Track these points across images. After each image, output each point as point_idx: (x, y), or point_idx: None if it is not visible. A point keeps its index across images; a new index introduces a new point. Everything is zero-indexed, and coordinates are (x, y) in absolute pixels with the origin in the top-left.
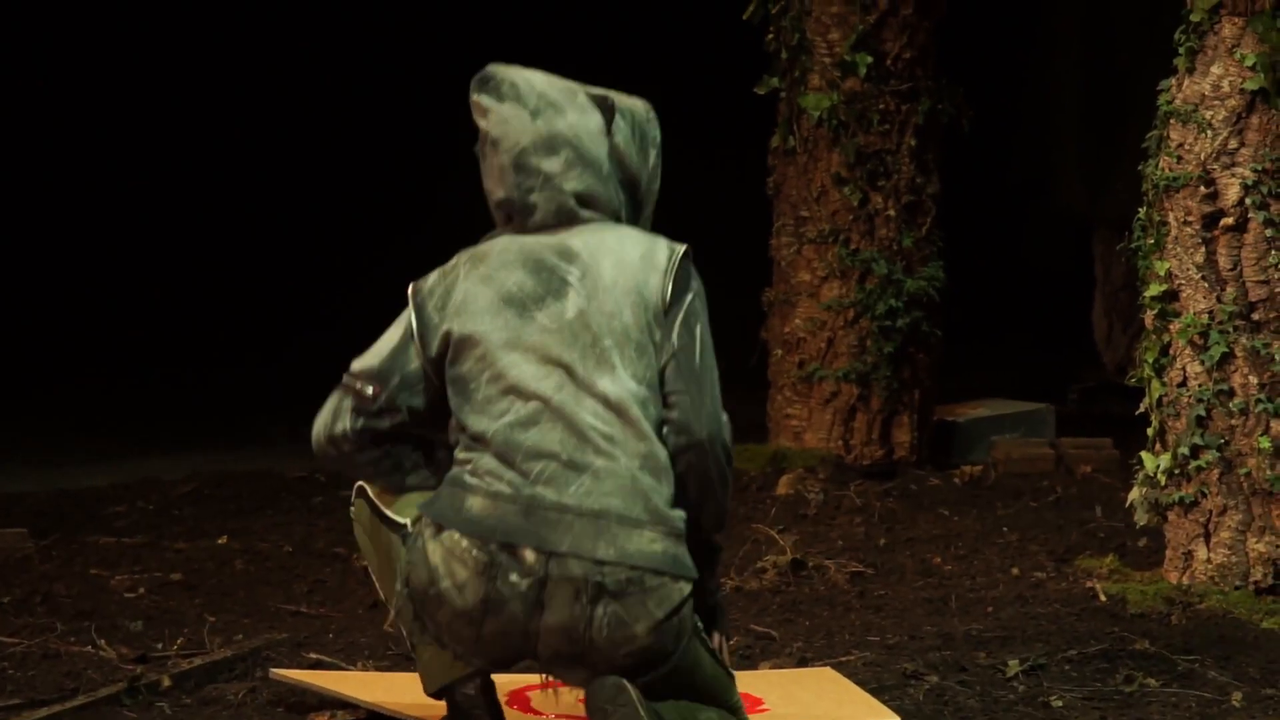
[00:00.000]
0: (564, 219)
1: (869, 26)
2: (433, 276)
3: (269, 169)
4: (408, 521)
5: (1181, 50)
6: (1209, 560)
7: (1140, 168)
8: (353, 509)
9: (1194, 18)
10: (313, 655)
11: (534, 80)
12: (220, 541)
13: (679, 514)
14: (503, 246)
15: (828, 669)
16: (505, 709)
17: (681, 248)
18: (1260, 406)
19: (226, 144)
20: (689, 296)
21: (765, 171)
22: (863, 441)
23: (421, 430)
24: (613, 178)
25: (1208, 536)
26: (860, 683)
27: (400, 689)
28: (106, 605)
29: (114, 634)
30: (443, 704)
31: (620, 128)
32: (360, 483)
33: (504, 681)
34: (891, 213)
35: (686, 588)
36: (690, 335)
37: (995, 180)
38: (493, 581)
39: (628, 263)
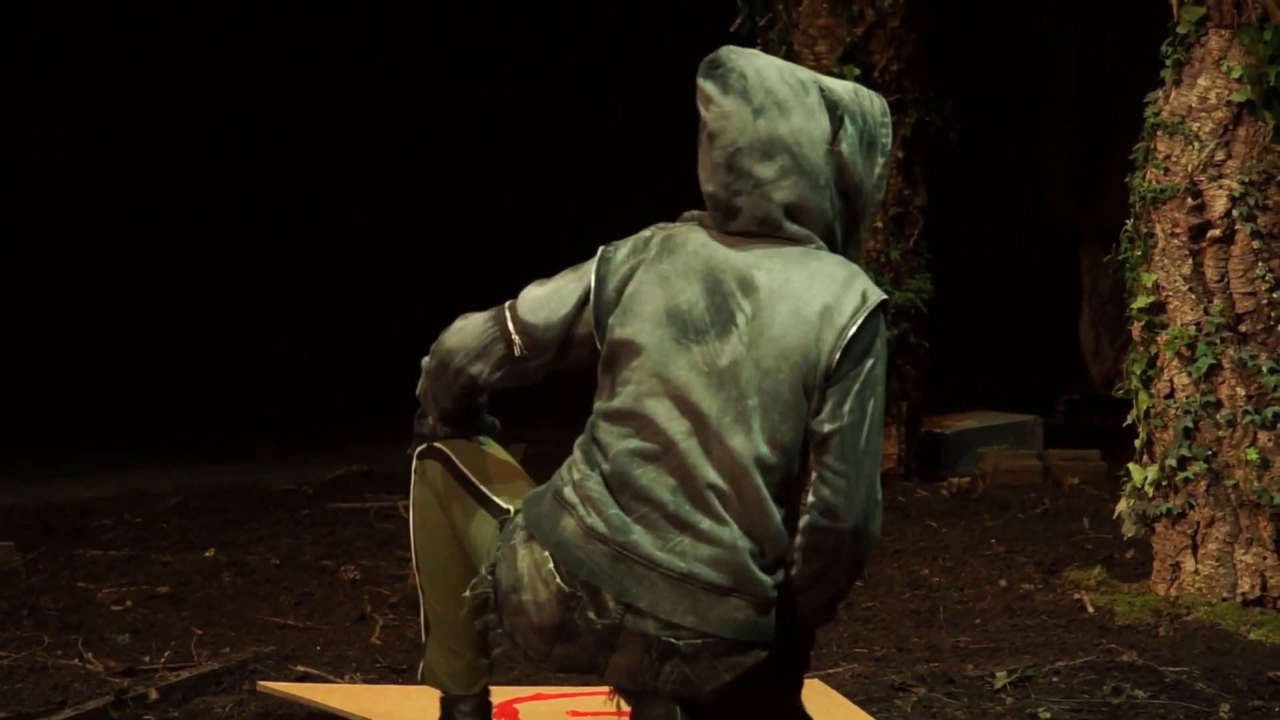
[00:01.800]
0: (767, 228)
1: (856, 39)
2: (625, 249)
3: (262, 186)
4: (511, 508)
5: (1168, 62)
6: (1197, 572)
7: (1127, 180)
8: (418, 464)
9: (1181, 30)
10: (300, 668)
11: (766, 73)
12: (207, 554)
13: (772, 580)
14: (694, 249)
15: (815, 681)
16: None
17: (875, 299)
18: (1248, 418)
19: (220, 162)
20: (869, 363)
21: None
22: None
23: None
24: (830, 187)
25: (1195, 548)
26: (848, 695)
27: (387, 701)
28: (93, 618)
29: (101, 647)
30: (429, 715)
31: (848, 134)
32: (440, 446)
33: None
34: (879, 224)
35: (764, 654)
36: (862, 411)
37: (983, 192)
38: (570, 613)
39: (805, 316)
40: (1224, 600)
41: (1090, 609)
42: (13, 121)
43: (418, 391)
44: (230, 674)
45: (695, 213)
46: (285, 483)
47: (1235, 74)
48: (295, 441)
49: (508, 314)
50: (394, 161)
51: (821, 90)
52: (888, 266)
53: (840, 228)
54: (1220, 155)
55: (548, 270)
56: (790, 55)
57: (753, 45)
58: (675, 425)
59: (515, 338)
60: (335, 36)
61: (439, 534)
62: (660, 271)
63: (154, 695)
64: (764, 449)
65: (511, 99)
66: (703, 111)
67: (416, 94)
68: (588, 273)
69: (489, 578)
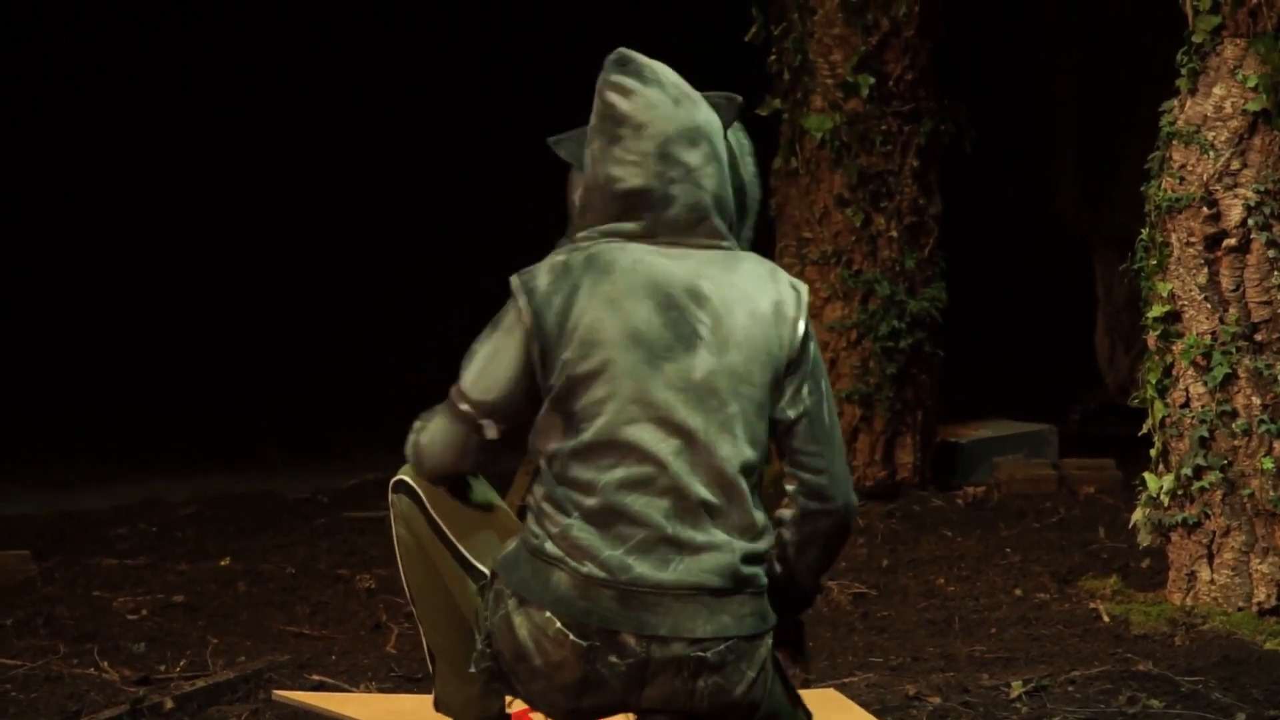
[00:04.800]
0: (696, 217)
1: (871, 48)
2: (543, 278)
3: (270, 189)
4: (488, 571)
5: (1183, 71)
6: (1212, 581)
7: (1142, 189)
8: (394, 498)
9: (1196, 39)
10: (315, 677)
11: (664, 69)
12: (222, 563)
13: (763, 569)
14: (628, 265)
15: (831, 690)
16: None
17: (804, 288)
18: (1263, 427)
19: (227, 164)
20: (813, 345)
21: (767, 193)
22: (865, 462)
23: None
24: (728, 180)
25: (1211, 557)
26: (863, 705)
27: (402, 711)
28: (109, 627)
29: (116, 656)
30: None
31: (730, 131)
32: (410, 481)
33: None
34: (894, 234)
35: (770, 638)
36: (819, 391)
37: (996, 200)
38: (592, 664)
39: (761, 316)
40: (1240, 610)
41: (1106, 618)
42: (24, 130)
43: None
44: (245, 683)
45: (606, 230)
46: (300, 491)
47: (1250, 83)
48: (310, 450)
49: (463, 405)
50: (401, 169)
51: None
52: (903, 276)
53: (734, 226)
54: (1236, 164)
55: None
56: (805, 64)
57: (767, 55)
58: (663, 447)
59: (483, 422)
60: (335, 42)
61: (427, 570)
62: (604, 294)
63: (169, 704)
64: (747, 451)
65: (516, 99)
66: (622, 105)
67: (425, 101)
68: (516, 316)
69: (488, 650)
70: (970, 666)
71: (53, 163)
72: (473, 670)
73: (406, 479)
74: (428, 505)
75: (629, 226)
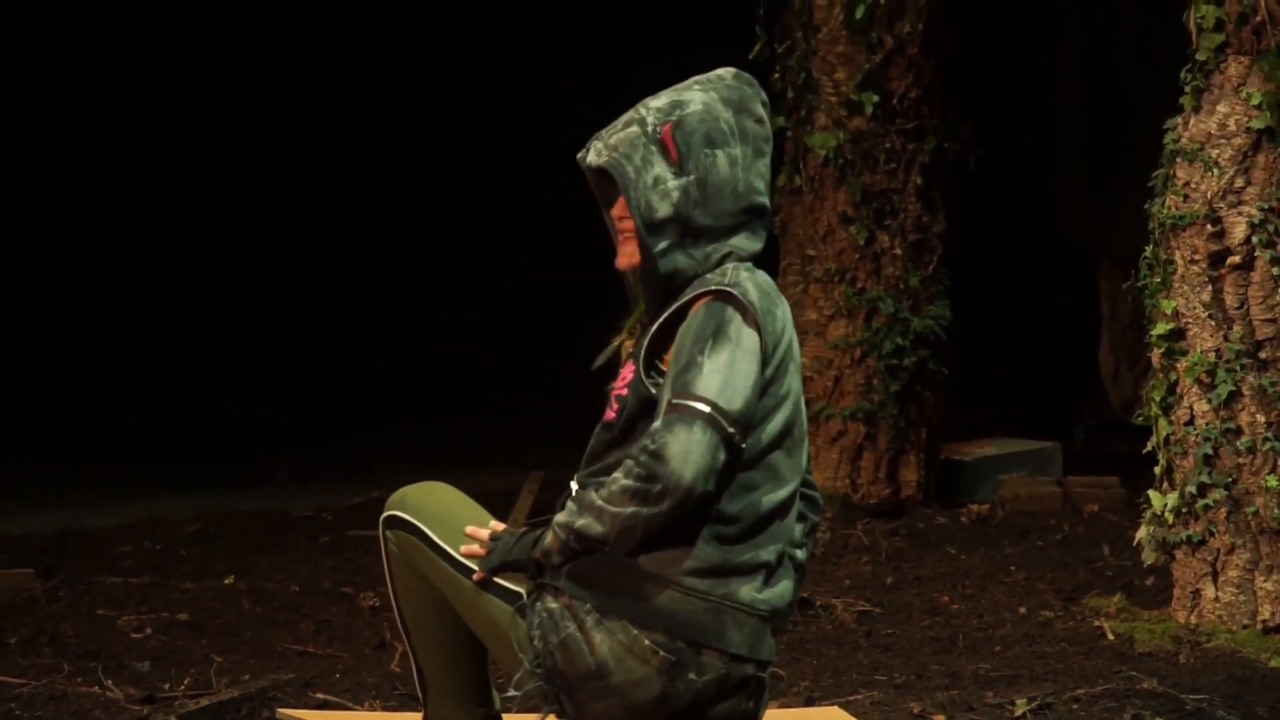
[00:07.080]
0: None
1: (875, 65)
2: (756, 300)
3: (279, 208)
4: (522, 591)
5: (1187, 89)
6: (1217, 599)
7: (1146, 206)
8: (391, 534)
9: (1200, 57)
10: (319, 695)
11: None
12: (227, 581)
13: None
14: (776, 293)
15: (835, 708)
16: None
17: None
18: (1268, 445)
19: (236, 179)
20: None
21: (772, 210)
22: (870, 480)
23: None
24: None
25: (1215, 575)
26: None
27: None
28: (113, 645)
29: (121, 674)
30: None
31: None
32: (407, 516)
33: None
34: (898, 251)
35: None
36: None
37: (1001, 217)
38: (673, 681)
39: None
40: (1244, 627)
41: (1110, 636)
42: (26, 137)
43: (601, 533)
44: (250, 701)
45: (728, 246)
46: (304, 509)
47: (1254, 100)
48: (314, 467)
49: (716, 416)
50: (404, 184)
51: None
52: (907, 293)
53: None
54: (1239, 182)
55: (570, 293)
56: (809, 82)
57: (771, 72)
58: (795, 478)
59: (732, 432)
60: (338, 49)
61: (427, 601)
62: (786, 316)
63: None
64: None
65: (529, 130)
66: (766, 126)
67: (440, 126)
68: (751, 333)
69: (539, 670)
70: (975, 684)
71: (56, 173)
72: (516, 693)
73: (398, 513)
74: (430, 535)
75: (754, 247)
